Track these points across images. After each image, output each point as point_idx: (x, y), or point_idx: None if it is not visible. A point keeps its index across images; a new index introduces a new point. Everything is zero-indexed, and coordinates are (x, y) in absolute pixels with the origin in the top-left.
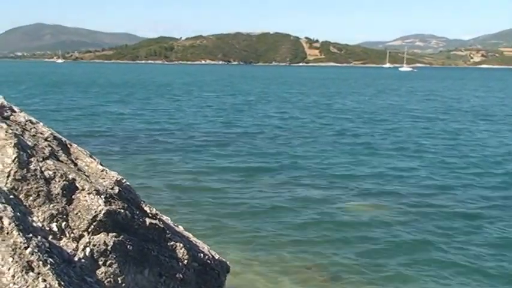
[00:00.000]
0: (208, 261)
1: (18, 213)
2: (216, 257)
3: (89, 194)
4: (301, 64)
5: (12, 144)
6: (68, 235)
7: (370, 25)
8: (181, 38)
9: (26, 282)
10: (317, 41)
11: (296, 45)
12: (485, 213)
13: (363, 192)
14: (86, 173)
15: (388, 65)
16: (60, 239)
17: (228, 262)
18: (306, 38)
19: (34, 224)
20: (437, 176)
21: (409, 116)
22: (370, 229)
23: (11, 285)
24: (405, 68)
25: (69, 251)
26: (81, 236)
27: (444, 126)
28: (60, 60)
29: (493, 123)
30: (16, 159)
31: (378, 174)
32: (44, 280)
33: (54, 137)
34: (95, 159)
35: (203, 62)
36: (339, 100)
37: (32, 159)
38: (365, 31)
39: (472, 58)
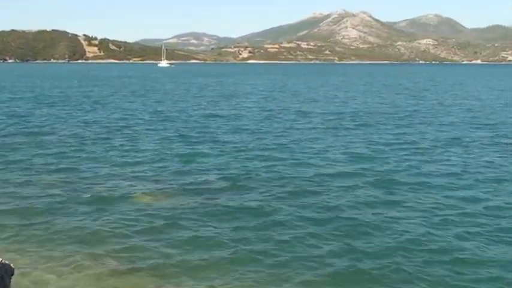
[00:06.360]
0: None
1: None
2: None
3: None
4: (80, 61)
5: None
6: None
7: (147, 24)
8: None
9: None
10: (95, 38)
11: (74, 42)
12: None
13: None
14: None
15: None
16: None
17: (12, 265)
18: (84, 35)
19: None
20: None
21: None
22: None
23: None
24: (163, 63)
25: None
26: None
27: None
28: None
29: None
30: None
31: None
32: None
33: None
34: None
35: None
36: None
37: None
38: (143, 29)
39: (240, 54)
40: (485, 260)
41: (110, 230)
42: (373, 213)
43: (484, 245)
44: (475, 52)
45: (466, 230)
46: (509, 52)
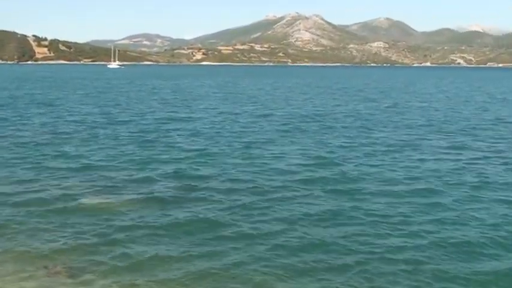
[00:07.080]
0: None
1: None
2: None
3: None
4: (30, 62)
5: None
6: None
7: (98, 24)
8: None
9: None
10: (45, 39)
11: (23, 43)
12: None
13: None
14: None
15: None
16: None
17: None
18: (34, 36)
19: None
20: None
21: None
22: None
23: None
24: (113, 65)
25: None
26: None
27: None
28: None
29: None
30: None
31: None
32: None
33: None
34: None
35: None
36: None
37: None
38: (93, 30)
39: (194, 56)
40: (446, 270)
41: (60, 243)
42: (332, 224)
43: (446, 255)
44: (425, 55)
45: (429, 240)
46: (458, 55)
